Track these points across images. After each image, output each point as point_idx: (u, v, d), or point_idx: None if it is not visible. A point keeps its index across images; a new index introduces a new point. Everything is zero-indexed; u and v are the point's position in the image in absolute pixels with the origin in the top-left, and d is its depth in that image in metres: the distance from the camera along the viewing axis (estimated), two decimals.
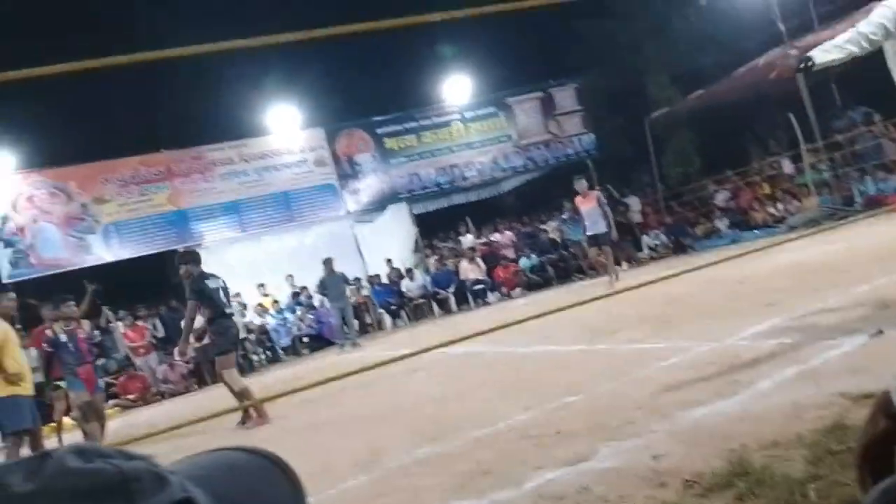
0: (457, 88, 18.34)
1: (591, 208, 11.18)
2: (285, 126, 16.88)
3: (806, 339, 4.04)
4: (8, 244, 14.24)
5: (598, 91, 18.79)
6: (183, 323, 7.27)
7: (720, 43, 16.58)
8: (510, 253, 16.93)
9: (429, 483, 3.26)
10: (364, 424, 5.20)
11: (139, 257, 15.18)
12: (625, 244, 15.79)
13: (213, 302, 6.77)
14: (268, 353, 14.89)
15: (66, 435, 8.55)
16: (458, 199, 18.43)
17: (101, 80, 16.02)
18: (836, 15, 12.71)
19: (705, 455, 2.62)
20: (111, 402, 11.88)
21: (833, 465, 2.21)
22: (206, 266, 7.17)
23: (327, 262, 13.25)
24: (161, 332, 14.59)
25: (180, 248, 15.48)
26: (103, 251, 14.88)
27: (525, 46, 19.65)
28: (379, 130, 17.64)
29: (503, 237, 17.64)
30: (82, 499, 0.39)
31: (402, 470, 3.60)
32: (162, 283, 15.38)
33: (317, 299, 15.05)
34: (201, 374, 13.97)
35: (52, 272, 14.06)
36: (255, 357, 14.41)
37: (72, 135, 16.66)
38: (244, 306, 14.69)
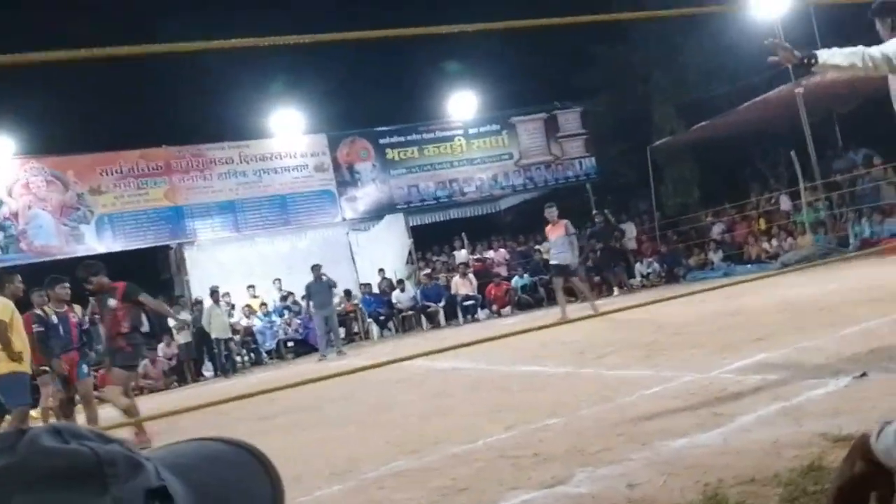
0: (462, 104, 18.40)
1: (558, 237, 10.94)
2: (288, 130, 16.89)
3: (791, 377, 4.03)
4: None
5: (602, 116, 18.88)
6: (162, 308, 7.28)
7: (729, 76, 16.69)
8: (503, 271, 16.93)
9: (403, 497, 3.22)
10: (343, 434, 5.16)
11: (131, 251, 15.11)
12: (618, 270, 15.80)
13: (145, 312, 6.79)
14: (251, 354, 14.82)
15: (52, 421, 8.47)
16: (455, 213, 18.48)
17: (109, 71, 16.10)
18: None
19: (682, 487, 2.59)
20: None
21: None
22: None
23: (315, 268, 13.18)
24: (146, 327, 14.47)
25: (172, 243, 15.51)
26: (95, 242, 14.82)
27: (533, 67, 19.79)
28: (381, 140, 17.67)
29: (497, 255, 17.65)
30: (55, 479, 0.38)
31: (377, 481, 3.56)
32: (152, 278, 15.33)
33: (302, 305, 15.02)
34: (182, 372, 13.89)
35: (42, 259, 13.98)
36: (238, 358, 14.32)
37: (74, 124, 16.67)
38: (232, 306, 14.62)
